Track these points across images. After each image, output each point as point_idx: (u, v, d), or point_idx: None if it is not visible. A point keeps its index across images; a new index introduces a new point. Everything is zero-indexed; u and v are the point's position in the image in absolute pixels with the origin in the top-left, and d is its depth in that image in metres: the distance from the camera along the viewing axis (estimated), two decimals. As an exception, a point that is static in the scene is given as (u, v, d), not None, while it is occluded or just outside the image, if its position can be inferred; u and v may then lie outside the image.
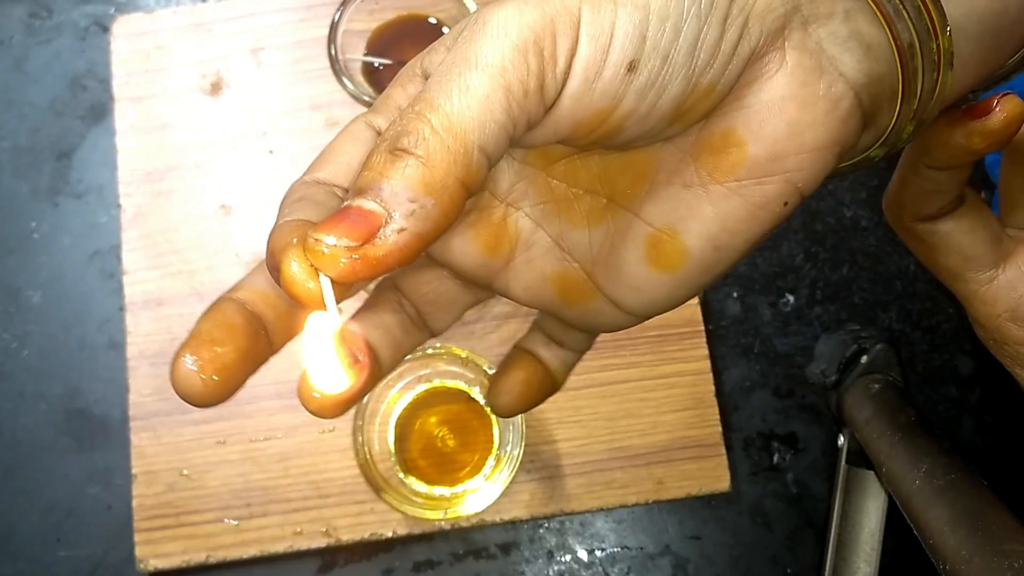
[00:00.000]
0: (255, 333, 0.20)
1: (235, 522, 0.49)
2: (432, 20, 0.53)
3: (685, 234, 0.20)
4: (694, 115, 0.19)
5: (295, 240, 0.18)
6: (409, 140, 0.17)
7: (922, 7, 0.19)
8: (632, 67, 0.18)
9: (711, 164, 0.19)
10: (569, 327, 0.24)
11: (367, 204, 0.17)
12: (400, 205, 0.17)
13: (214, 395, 0.19)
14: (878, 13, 0.19)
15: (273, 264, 0.18)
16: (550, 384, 0.25)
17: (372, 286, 0.23)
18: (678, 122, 0.19)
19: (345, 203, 0.17)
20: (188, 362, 0.19)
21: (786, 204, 0.20)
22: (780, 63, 0.19)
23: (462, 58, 0.18)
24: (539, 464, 0.50)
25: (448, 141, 0.17)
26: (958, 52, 0.19)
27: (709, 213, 0.20)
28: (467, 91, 0.17)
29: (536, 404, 0.25)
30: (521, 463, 0.45)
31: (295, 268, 0.17)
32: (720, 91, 0.19)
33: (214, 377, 0.19)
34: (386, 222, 0.17)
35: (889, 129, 0.20)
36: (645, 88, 0.18)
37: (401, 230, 0.17)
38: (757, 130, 0.19)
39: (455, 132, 0.17)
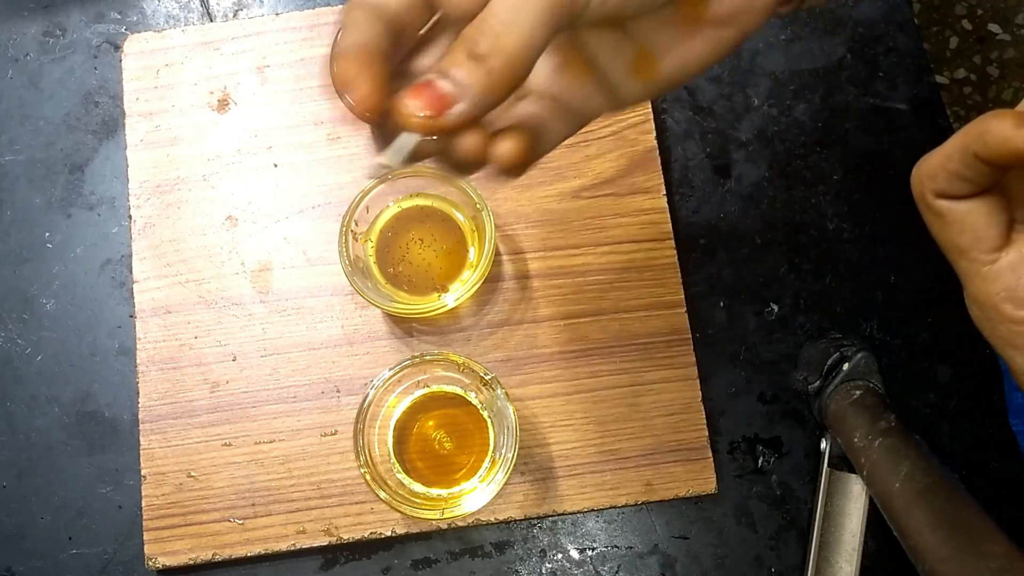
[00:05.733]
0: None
1: (240, 521, 0.50)
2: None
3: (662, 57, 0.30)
4: None
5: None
6: (483, 48, 0.24)
7: None
8: None
9: (690, 15, 0.29)
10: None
11: (446, 87, 0.24)
12: (467, 97, 0.24)
13: None
14: None
15: (340, 89, 0.27)
16: None
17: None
18: None
19: (428, 76, 0.25)
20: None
21: (736, 43, 0.29)
22: None
23: None
24: (533, 466, 0.51)
25: (507, 62, 0.24)
26: None
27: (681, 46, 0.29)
28: (520, 25, 0.24)
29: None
30: (515, 465, 0.46)
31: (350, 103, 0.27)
32: None
33: None
34: (454, 103, 0.24)
35: None
36: None
37: (462, 112, 0.25)
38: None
39: (511, 59, 0.24)
